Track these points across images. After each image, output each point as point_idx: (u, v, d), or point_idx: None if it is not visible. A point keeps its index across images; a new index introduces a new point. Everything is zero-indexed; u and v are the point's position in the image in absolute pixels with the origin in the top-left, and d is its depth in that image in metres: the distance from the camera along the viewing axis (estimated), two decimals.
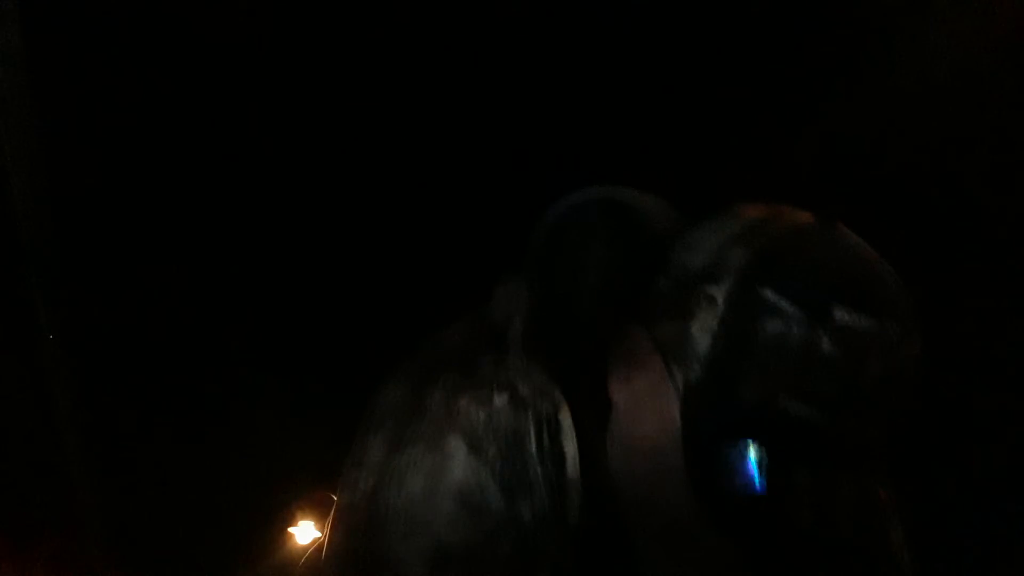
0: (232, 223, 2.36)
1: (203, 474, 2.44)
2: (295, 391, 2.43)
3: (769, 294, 0.89)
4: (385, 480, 0.98)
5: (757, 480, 0.87)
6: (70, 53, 2.26)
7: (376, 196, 2.31)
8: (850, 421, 0.89)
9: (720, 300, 0.90)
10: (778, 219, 0.94)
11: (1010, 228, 2.03)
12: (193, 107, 2.30)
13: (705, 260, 0.92)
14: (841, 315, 0.88)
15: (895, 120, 2.05)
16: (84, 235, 2.40)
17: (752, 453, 0.87)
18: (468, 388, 0.98)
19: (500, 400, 0.96)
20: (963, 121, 2.03)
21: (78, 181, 2.36)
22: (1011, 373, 2.05)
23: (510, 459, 0.93)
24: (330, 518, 1.02)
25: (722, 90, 2.10)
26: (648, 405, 0.91)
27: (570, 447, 0.93)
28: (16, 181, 2.26)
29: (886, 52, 2.05)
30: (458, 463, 0.94)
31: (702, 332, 0.90)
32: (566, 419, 0.94)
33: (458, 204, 2.23)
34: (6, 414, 2.36)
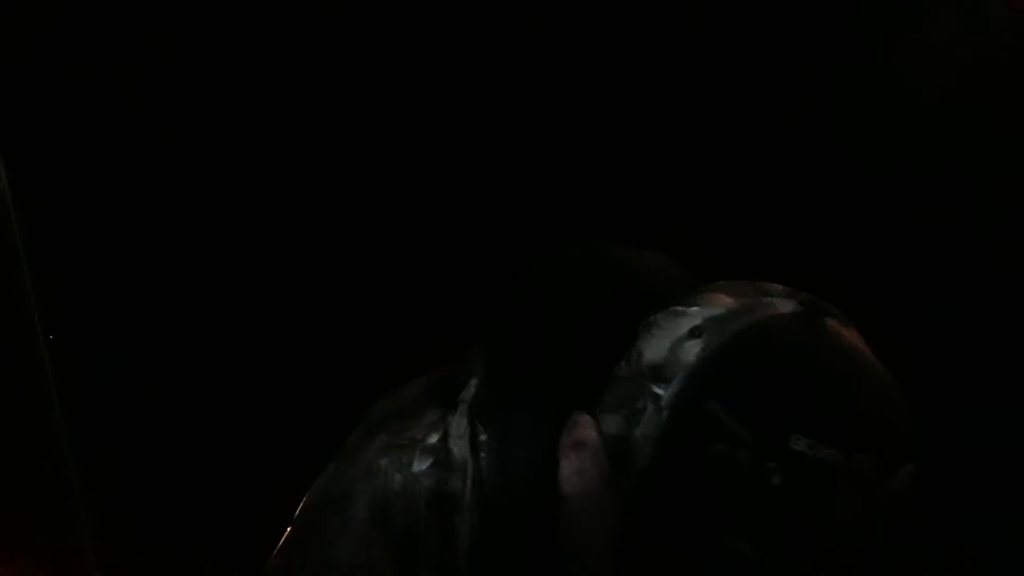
0: (237, 224, 2.36)
1: (203, 474, 2.44)
2: (296, 392, 2.43)
3: (715, 407, 0.75)
4: (297, 533, 0.93)
5: None
6: (61, 52, 2.26)
7: (379, 201, 2.31)
8: (804, 563, 0.75)
9: (664, 405, 0.77)
10: (750, 309, 0.80)
11: (1011, 229, 2.03)
12: (196, 108, 2.30)
13: (660, 352, 0.79)
14: (798, 443, 0.73)
15: (898, 119, 2.05)
16: (83, 235, 2.40)
17: None
18: (395, 448, 0.90)
19: (419, 466, 0.87)
20: (965, 121, 2.03)
21: (76, 180, 2.36)
22: (1010, 374, 2.04)
23: (408, 533, 0.85)
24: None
25: (722, 91, 2.10)
26: (598, 504, 0.80)
27: (464, 529, 0.84)
28: (10, 178, 2.27)
29: (885, 52, 2.05)
30: (352, 536, 0.86)
31: (645, 439, 0.77)
32: (472, 497, 0.85)
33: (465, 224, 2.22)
34: (4, 415, 2.36)
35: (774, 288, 0.84)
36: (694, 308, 0.81)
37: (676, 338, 0.79)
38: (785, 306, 0.80)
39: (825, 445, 0.74)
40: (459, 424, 0.89)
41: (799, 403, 0.75)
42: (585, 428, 0.82)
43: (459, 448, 0.87)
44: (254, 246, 2.37)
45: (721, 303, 0.81)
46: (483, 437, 0.87)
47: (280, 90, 2.25)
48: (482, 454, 0.86)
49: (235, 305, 2.42)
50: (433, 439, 0.89)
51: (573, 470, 0.81)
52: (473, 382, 0.91)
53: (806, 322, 0.79)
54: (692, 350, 0.78)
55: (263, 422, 2.38)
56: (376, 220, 2.30)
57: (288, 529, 0.97)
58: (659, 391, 0.78)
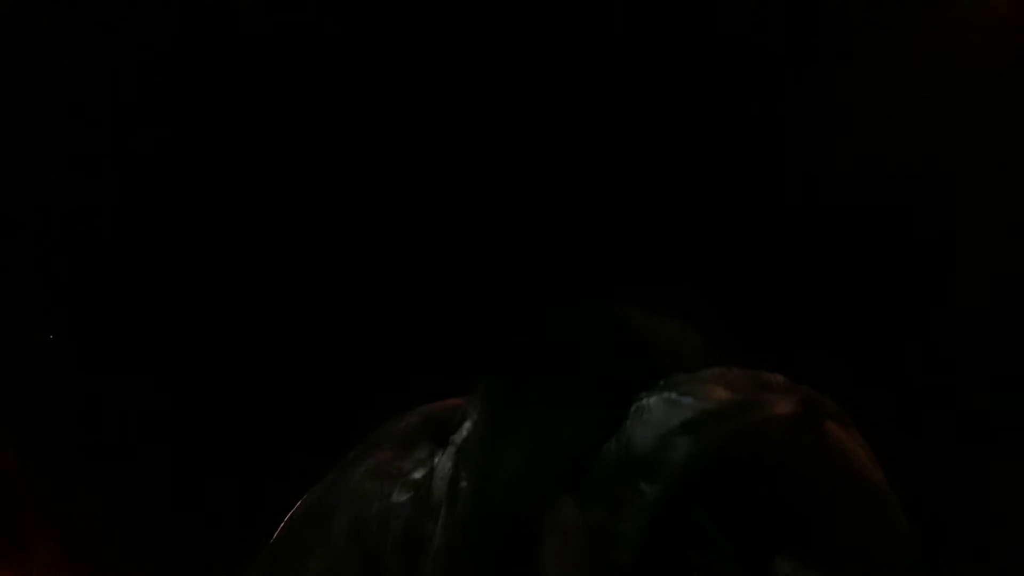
0: (241, 229, 2.35)
1: (202, 474, 2.44)
2: (294, 391, 2.43)
3: (701, 515, 0.73)
4: (281, 541, 0.97)
5: None
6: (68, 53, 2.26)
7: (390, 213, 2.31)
8: None
9: (650, 503, 0.74)
10: (746, 407, 0.76)
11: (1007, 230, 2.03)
12: (200, 110, 2.29)
13: (649, 443, 0.76)
14: (782, 566, 0.71)
15: (893, 122, 2.05)
16: (83, 234, 2.40)
17: None
18: (382, 475, 0.91)
19: (399, 497, 0.88)
20: (960, 122, 2.03)
21: (76, 180, 2.36)
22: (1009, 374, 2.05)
23: (377, 560, 0.85)
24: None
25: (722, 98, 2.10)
26: None
27: (428, 572, 0.83)
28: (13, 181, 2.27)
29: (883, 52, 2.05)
30: (328, 550, 0.87)
31: (627, 535, 0.74)
32: (441, 542, 0.83)
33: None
34: (3, 414, 2.36)
35: (774, 381, 0.81)
36: (687, 399, 0.78)
37: (667, 430, 0.76)
38: (783, 405, 0.77)
39: (810, 569, 0.71)
40: (444, 465, 0.89)
41: (787, 523, 0.73)
42: (569, 511, 0.79)
43: (439, 489, 0.87)
44: (260, 252, 2.37)
45: (716, 396, 0.78)
46: (463, 484, 0.86)
47: (288, 115, 2.25)
48: (459, 499, 0.86)
49: (240, 307, 2.42)
50: (419, 474, 0.90)
51: (554, 552, 0.79)
52: (466, 425, 0.90)
53: (803, 427, 0.76)
54: (682, 448, 0.75)
55: (268, 427, 2.39)
56: (387, 234, 2.30)
57: (275, 535, 0.98)
58: (645, 488, 0.75)
